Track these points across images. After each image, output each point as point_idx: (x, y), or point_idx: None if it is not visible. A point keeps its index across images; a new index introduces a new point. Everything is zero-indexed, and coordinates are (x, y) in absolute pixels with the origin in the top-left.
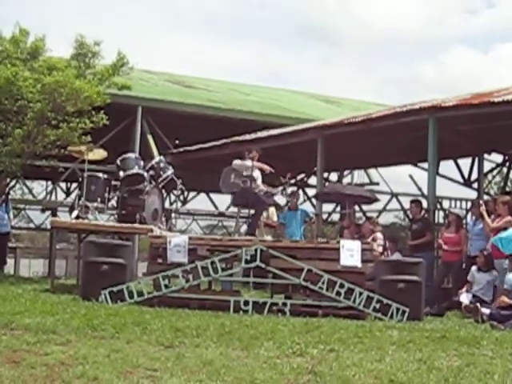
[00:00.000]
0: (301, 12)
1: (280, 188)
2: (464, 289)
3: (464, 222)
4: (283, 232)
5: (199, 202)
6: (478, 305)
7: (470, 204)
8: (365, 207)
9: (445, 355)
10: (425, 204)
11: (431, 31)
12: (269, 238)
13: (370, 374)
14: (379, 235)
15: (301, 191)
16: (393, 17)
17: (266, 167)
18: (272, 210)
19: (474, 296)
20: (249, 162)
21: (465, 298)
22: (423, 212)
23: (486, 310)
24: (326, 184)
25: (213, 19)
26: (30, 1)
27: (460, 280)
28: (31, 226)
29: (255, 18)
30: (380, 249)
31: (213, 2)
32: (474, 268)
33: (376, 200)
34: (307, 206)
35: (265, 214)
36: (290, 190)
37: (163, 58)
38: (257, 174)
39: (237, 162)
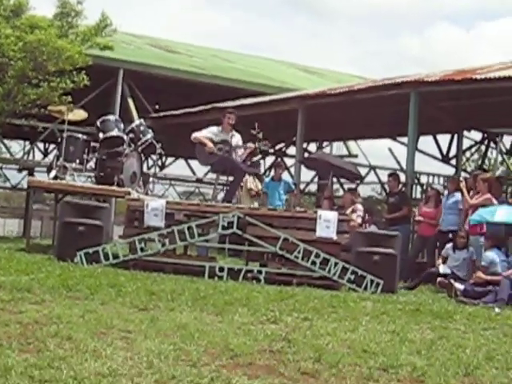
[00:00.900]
0: None
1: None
2: (440, 260)
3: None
4: (265, 201)
5: (177, 167)
6: (452, 281)
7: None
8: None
9: (418, 328)
10: (403, 178)
11: (417, 6)
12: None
13: (343, 344)
14: (359, 206)
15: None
16: None
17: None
18: (251, 178)
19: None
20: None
21: (444, 268)
22: (400, 186)
23: (459, 286)
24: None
25: None
26: None
27: (435, 254)
28: (7, 185)
29: None
30: (359, 220)
31: None
32: (448, 246)
33: (360, 177)
34: (285, 176)
35: (251, 182)
36: (263, 143)
37: (143, 23)
38: (237, 138)
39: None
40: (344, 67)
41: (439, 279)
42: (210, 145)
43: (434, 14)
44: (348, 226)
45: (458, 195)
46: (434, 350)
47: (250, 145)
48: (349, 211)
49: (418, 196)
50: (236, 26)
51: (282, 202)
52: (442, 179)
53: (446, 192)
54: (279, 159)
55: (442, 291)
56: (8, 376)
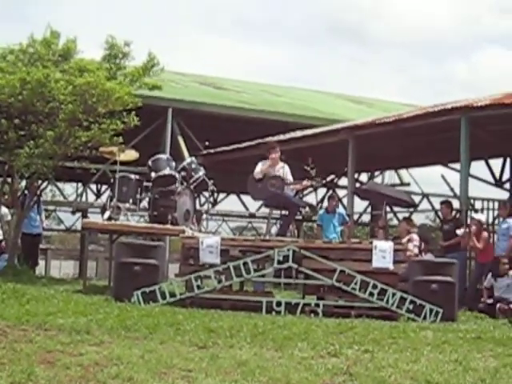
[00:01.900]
0: (333, 12)
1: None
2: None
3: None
4: (320, 234)
5: (229, 203)
6: None
7: None
8: (395, 208)
9: (480, 356)
10: (456, 205)
11: (464, 30)
12: None
13: (406, 375)
14: (415, 236)
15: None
16: (426, 16)
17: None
18: None
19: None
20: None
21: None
22: (454, 212)
23: None
24: (367, 182)
25: (244, 20)
26: (62, 3)
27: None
28: (62, 227)
29: (287, 19)
30: (416, 250)
31: (244, 3)
32: (489, 276)
33: (414, 205)
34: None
35: None
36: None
37: (192, 59)
38: (285, 169)
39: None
40: (392, 96)
41: (499, 305)
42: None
43: (480, 38)
44: (404, 256)
45: (510, 221)
46: (498, 378)
47: (304, 182)
48: (404, 240)
49: None
50: (282, 60)
51: (338, 234)
52: (496, 204)
53: (500, 219)
54: (332, 191)
55: (502, 317)
56: None
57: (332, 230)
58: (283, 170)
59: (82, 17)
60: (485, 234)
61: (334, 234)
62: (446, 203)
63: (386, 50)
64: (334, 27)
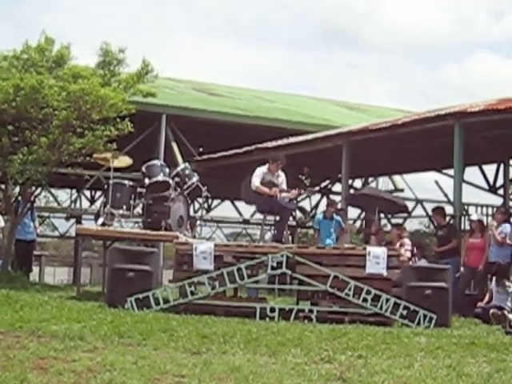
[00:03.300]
0: (326, 17)
1: (302, 190)
2: (484, 302)
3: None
4: (317, 238)
5: (224, 209)
6: (506, 312)
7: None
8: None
9: (474, 361)
10: (450, 210)
11: (458, 35)
12: None
13: (399, 381)
14: (406, 241)
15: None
16: (419, 21)
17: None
18: None
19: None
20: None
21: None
22: (448, 218)
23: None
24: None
25: (236, 24)
26: (57, 8)
27: (484, 286)
28: (56, 234)
29: (280, 23)
30: (408, 254)
31: (237, 7)
32: (492, 284)
33: (407, 210)
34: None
35: None
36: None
37: (186, 64)
38: (281, 178)
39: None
40: (384, 101)
41: (492, 311)
42: (272, 192)
43: (474, 44)
44: (397, 261)
45: (506, 226)
46: None
47: (293, 191)
48: (397, 246)
49: (467, 227)
50: (273, 64)
51: (333, 241)
52: (490, 209)
53: (494, 223)
54: (331, 198)
55: (496, 323)
56: None
57: (328, 236)
58: (280, 179)
59: (76, 21)
60: (486, 234)
61: (329, 241)
62: (437, 210)
63: (379, 54)
64: (327, 31)
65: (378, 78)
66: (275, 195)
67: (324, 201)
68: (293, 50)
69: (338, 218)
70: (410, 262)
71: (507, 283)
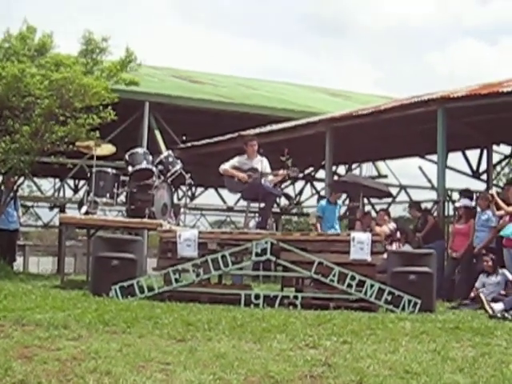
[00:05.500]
0: (311, 4)
1: (285, 171)
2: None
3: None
4: (320, 225)
5: (207, 196)
6: (481, 294)
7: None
8: (373, 200)
9: (459, 346)
10: (434, 196)
11: (444, 22)
12: None
13: (385, 365)
14: (393, 224)
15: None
16: (404, 7)
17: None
18: None
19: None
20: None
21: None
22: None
23: (498, 306)
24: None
25: (220, 13)
26: None
27: (466, 271)
28: (39, 223)
29: (264, 10)
30: (386, 229)
31: None
32: (481, 276)
33: (390, 195)
34: (315, 200)
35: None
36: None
37: (168, 53)
38: (264, 163)
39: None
40: (369, 88)
41: (472, 293)
42: (242, 174)
43: (456, 30)
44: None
45: (490, 212)
46: (476, 368)
47: (280, 172)
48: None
49: (451, 213)
50: (259, 53)
51: (339, 225)
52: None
53: (478, 209)
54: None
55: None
56: None
57: (334, 222)
58: (261, 164)
59: (60, 11)
60: (472, 220)
61: (336, 226)
62: (411, 205)
63: (364, 41)
64: (312, 19)
65: (363, 65)
66: (244, 180)
67: (308, 188)
68: (276, 38)
69: (340, 202)
70: (394, 245)
71: (500, 271)
